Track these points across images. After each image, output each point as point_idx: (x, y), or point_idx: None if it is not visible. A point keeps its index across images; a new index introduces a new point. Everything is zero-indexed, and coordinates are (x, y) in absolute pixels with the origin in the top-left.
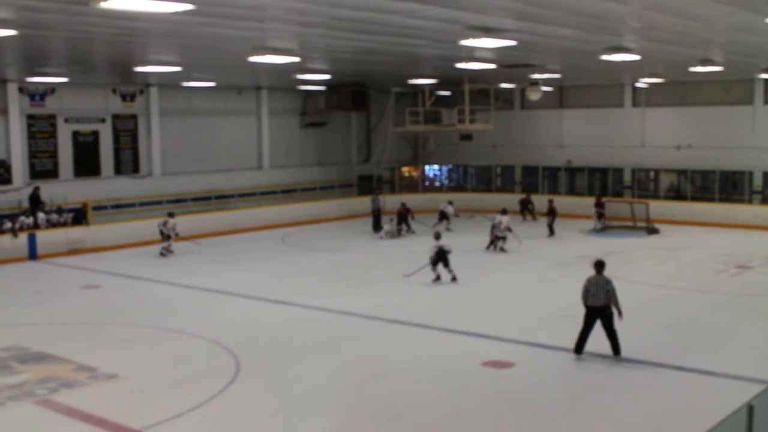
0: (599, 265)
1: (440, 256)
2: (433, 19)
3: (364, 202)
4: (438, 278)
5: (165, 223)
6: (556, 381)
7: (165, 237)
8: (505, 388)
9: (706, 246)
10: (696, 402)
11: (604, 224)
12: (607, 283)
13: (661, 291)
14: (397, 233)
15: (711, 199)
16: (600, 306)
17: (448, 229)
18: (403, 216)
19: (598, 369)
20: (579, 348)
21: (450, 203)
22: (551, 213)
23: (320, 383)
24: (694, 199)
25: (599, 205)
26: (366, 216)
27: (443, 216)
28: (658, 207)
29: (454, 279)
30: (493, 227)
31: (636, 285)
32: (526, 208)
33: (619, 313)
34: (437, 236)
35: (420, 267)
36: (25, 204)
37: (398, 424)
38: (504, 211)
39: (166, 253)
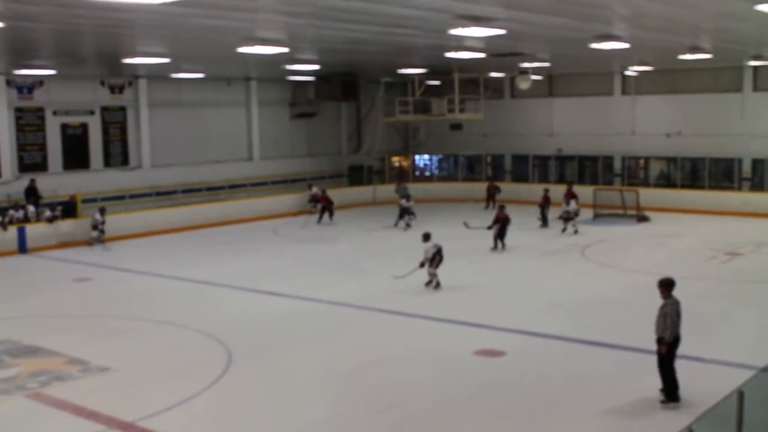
0: (670, 285)
1: (439, 256)
2: (422, 9)
3: (355, 193)
4: (431, 282)
5: (94, 216)
6: (548, 369)
7: (94, 228)
8: (497, 376)
9: (696, 233)
10: (687, 388)
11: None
12: (679, 303)
13: (652, 278)
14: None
15: (701, 187)
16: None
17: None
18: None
19: (589, 357)
20: (676, 393)
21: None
22: (546, 203)
23: (314, 373)
24: (684, 186)
25: (570, 195)
26: (356, 206)
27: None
28: (648, 195)
29: (438, 285)
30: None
31: (627, 273)
32: (492, 197)
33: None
34: (426, 237)
35: (413, 269)
36: (14, 197)
37: (392, 413)
38: (569, 202)
39: (98, 242)
